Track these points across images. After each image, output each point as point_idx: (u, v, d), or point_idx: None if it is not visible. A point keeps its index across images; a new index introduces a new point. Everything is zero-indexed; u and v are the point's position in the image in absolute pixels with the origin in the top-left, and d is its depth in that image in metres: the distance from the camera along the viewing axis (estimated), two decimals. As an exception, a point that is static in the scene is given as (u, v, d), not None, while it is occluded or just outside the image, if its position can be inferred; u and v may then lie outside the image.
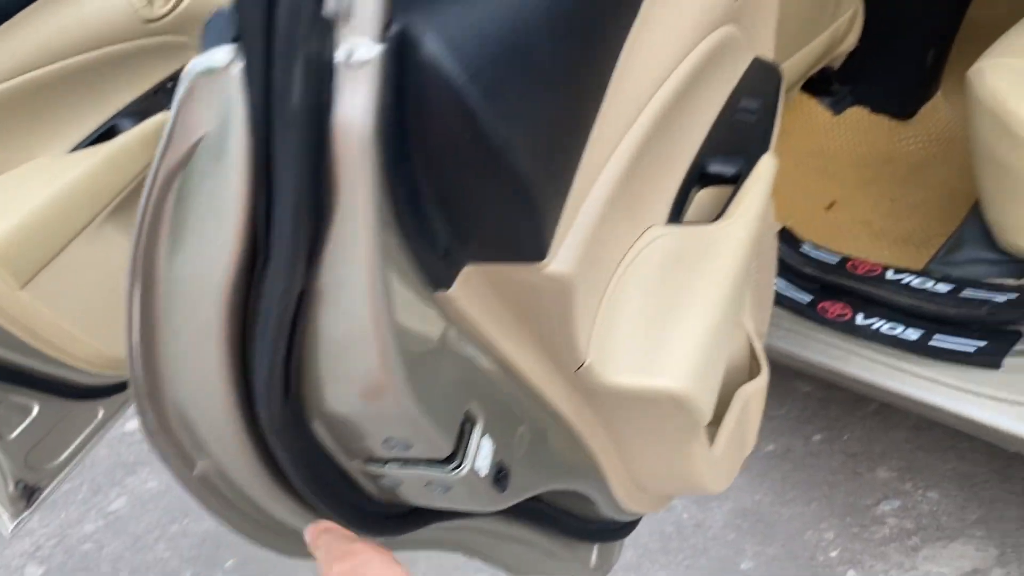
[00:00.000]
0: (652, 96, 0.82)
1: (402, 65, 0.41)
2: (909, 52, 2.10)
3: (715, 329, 0.81)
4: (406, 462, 0.58)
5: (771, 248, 1.40)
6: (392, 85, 0.41)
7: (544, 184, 0.49)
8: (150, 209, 0.44)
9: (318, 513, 0.60)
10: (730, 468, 1.14)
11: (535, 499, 0.96)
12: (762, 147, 1.05)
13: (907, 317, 1.50)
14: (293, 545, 0.64)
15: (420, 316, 0.51)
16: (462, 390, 0.58)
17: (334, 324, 0.47)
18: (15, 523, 1.70)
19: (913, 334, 1.47)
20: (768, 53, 1.26)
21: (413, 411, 0.51)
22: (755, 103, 1.11)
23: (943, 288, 1.49)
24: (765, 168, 1.01)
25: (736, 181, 1.00)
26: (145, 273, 0.45)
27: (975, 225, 1.62)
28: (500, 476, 0.63)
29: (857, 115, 2.18)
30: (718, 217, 0.95)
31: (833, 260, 1.62)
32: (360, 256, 0.43)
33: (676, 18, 0.86)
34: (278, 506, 0.58)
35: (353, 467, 0.60)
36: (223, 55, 0.41)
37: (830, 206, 2.00)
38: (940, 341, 1.44)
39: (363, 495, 0.62)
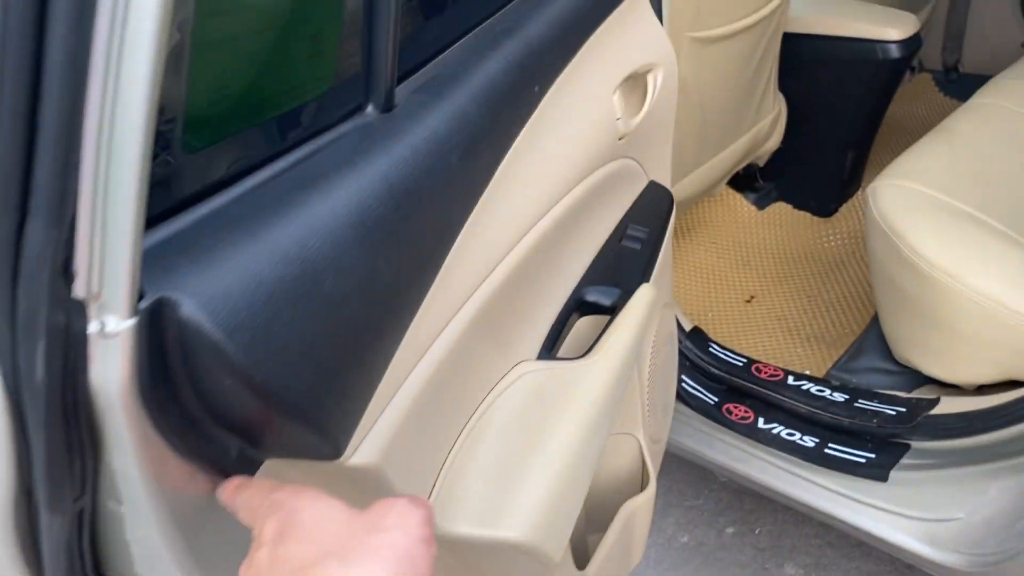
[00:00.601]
0: (516, 243, 0.86)
1: (161, 328, 0.45)
2: (829, 153, 2.19)
3: (567, 471, 0.84)
4: None
5: (671, 355, 1.44)
6: (151, 347, 0.45)
7: (321, 407, 0.53)
8: None
9: None
10: (612, 583, 1.17)
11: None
12: (642, 277, 1.10)
13: (805, 424, 1.55)
14: None
15: (212, 510, 0.54)
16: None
17: (117, 534, 0.51)
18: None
19: (810, 441, 1.52)
20: (663, 175, 1.31)
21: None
22: (642, 232, 1.16)
23: (839, 397, 1.54)
24: (641, 298, 1.05)
25: (613, 311, 1.04)
26: None
27: (874, 334, 1.68)
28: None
29: (780, 211, 2.26)
30: (590, 348, 0.99)
31: (739, 362, 1.67)
32: (137, 480, 0.47)
33: (545, 171, 0.91)
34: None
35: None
36: None
37: (749, 300, 2.06)
38: (834, 450, 1.49)
39: None
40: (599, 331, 1.02)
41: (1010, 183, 1.53)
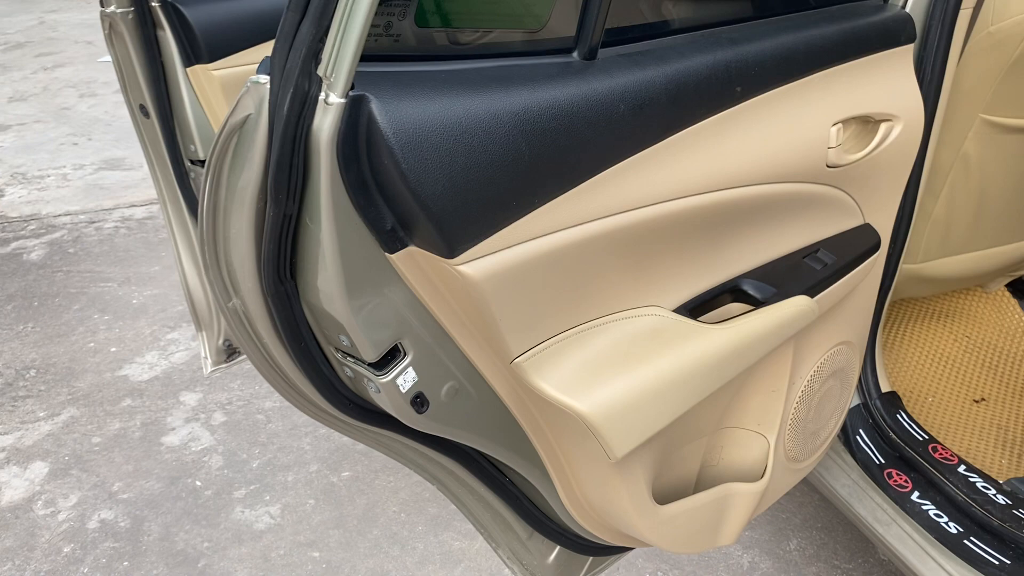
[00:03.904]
0: (675, 197, 1.05)
1: (358, 112, 0.74)
2: None
3: (655, 390, 1.03)
4: (354, 358, 0.89)
5: (837, 391, 1.52)
6: (350, 121, 0.74)
7: (446, 211, 0.78)
8: (219, 146, 0.79)
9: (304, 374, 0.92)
10: (687, 538, 1.31)
11: (498, 470, 1.22)
12: (804, 291, 1.22)
13: (955, 511, 1.55)
14: (283, 384, 0.97)
15: (371, 263, 0.82)
16: (396, 325, 0.88)
17: (307, 244, 0.81)
18: (212, 369, 2.21)
19: (953, 528, 1.52)
20: (883, 224, 1.40)
21: (350, 321, 0.82)
22: (829, 258, 1.28)
23: (1002, 500, 1.52)
24: (792, 304, 1.19)
25: (761, 305, 1.19)
26: (216, 177, 0.81)
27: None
28: (418, 400, 0.92)
29: (1052, 330, 2.14)
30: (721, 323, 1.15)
31: (920, 436, 1.68)
32: (322, 208, 0.76)
33: (729, 156, 1.08)
34: (281, 356, 0.92)
35: (330, 351, 0.92)
36: (264, 78, 0.75)
37: (979, 400, 2.01)
38: (974, 544, 1.48)
39: (336, 376, 0.94)
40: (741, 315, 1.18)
41: None
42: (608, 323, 1.06)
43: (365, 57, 0.76)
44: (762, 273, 1.23)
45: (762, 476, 1.38)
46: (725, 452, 1.40)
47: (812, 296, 1.25)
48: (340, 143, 0.74)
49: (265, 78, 0.74)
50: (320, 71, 0.73)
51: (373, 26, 0.77)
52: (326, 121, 0.73)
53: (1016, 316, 2.18)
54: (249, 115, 0.76)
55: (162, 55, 1.85)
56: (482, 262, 0.84)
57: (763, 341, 1.16)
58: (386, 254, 0.83)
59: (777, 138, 1.14)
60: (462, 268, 0.83)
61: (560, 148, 0.85)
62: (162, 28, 1.80)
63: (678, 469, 1.35)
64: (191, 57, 1.86)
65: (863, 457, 1.69)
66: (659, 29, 1.03)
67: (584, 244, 0.94)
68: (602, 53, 0.93)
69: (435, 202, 0.77)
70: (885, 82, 1.27)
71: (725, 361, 1.12)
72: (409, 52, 0.84)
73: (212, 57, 1.87)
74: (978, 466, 1.70)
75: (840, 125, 1.21)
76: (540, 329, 0.96)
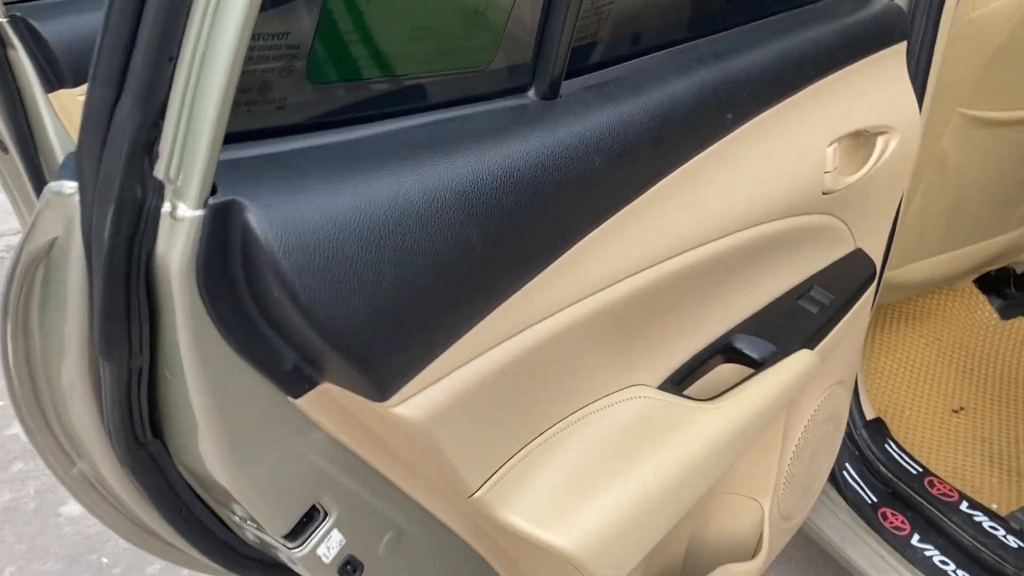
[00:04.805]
0: (661, 262, 0.84)
1: (226, 226, 0.49)
2: (1104, 281, 1.93)
3: (645, 504, 0.82)
4: (258, 526, 0.66)
5: (830, 437, 1.35)
6: (214, 240, 0.49)
7: (369, 348, 0.55)
8: (15, 283, 0.56)
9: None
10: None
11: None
12: (807, 343, 1.03)
13: (964, 558, 1.39)
14: (166, 548, 0.73)
15: (267, 414, 0.59)
16: (310, 486, 0.65)
17: (171, 398, 0.56)
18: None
19: (963, 577, 1.36)
20: (875, 247, 1.22)
21: (244, 493, 0.59)
22: (825, 298, 1.09)
23: (1014, 543, 1.37)
24: (795, 363, 1.00)
25: (760, 366, 0.99)
26: (21, 324, 0.57)
27: (1082, 489, 1.47)
28: (348, 567, 0.69)
29: (1023, 328, 2.02)
30: (720, 395, 0.95)
31: (914, 469, 1.52)
32: (184, 359, 0.52)
33: (721, 199, 0.88)
34: (156, 523, 0.68)
35: (224, 512, 0.68)
36: (70, 186, 0.51)
37: (958, 410, 1.87)
38: (988, 596, 1.33)
39: (234, 536, 0.70)
40: (740, 382, 0.98)
41: None
42: (585, 419, 0.85)
43: (232, 138, 0.51)
44: (755, 324, 1.03)
45: (758, 549, 1.20)
46: (715, 522, 1.21)
47: (812, 346, 1.06)
48: (202, 273, 0.51)
49: (72, 186, 0.50)
50: (159, 172, 0.48)
51: (241, 91, 0.51)
52: (176, 244, 0.49)
53: (986, 314, 2.05)
54: (55, 239, 0.52)
55: (16, 80, 1.55)
56: (425, 396, 0.62)
57: (766, 414, 0.96)
58: (290, 399, 0.59)
59: (772, 169, 0.94)
60: (399, 411, 0.61)
61: (522, 226, 0.63)
62: (13, 47, 1.50)
63: (665, 550, 1.15)
64: (52, 80, 1.56)
65: (853, 496, 1.52)
66: (629, 48, 0.80)
67: (555, 338, 0.72)
68: (564, 87, 0.70)
69: (355, 338, 0.54)
70: (880, 88, 1.09)
71: (726, 446, 0.92)
72: (301, 121, 0.59)
73: (78, 80, 1.57)
74: (972, 493, 1.55)
75: (836, 144, 1.02)
76: (502, 450, 0.74)
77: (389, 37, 0.59)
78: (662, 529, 0.86)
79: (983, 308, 2.05)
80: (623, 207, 0.73)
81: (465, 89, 0.66)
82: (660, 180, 0.77)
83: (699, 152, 0.81)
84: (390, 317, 0.56)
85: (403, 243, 0.54)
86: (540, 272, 0.66)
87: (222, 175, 0.50)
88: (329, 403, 0.61)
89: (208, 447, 0.56)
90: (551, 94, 0.68)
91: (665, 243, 0.83)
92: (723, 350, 1.00)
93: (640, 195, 0.75)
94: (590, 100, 0.69)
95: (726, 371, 1.03)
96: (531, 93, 0.68)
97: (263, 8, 0.45)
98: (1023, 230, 1.85)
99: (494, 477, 0.74)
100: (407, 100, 0.63)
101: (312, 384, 0.59)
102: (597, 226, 0.70)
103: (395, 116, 0.61)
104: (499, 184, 0.59)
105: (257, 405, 0.57)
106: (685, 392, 0.96)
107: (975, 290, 2.07)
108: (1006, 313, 2.04)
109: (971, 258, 1.84)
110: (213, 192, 0.49)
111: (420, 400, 0.61)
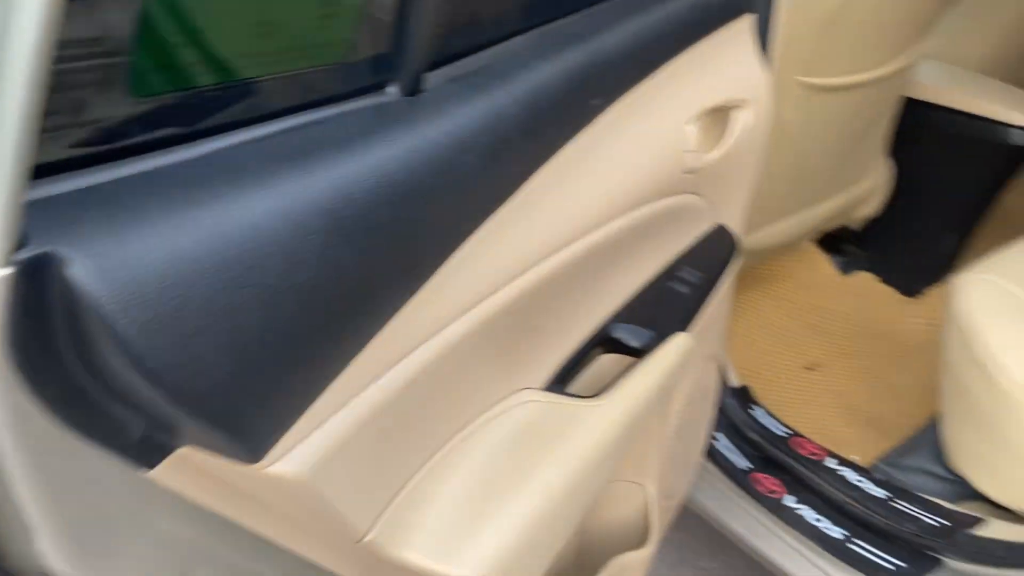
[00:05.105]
0: (539, 262, 0.79)
1: (42, 285, 0.40)
2: (929, 231, 2.05)
3: (544, 518, 0.78)
4: None
5: (704, 412, 1.35)
6: (28, 303, 0.40)
7: (235, 407, 0.47)
8: None
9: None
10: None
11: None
12: (682, 325, 1.02)
13: (835, 512, 1.44)
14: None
15: (113, 493, 0.50)
16: (179, 561, 0.56)
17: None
18: None
19: (837, 532, 1.41)
20: (735, 220, 1.23)
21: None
22: (694, 277, 1.08)
23: (879, 492, 1.43)
24: (674, 348, 0.98)
25: (640, 354, 0.97)
26: None
27: (932, 433, 1.55)
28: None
29: (864, 281, 2.13)
30: (605, 389, 0.92)
31: (781, 432, 1.56)
32: (4, 443, 0.42)
33: (591, 191, 0.84)
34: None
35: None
36: None
37: (811, 367, 1.94)
38: (860, 547, 1.38)
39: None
40: (623, 373, 0.95)
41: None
42: (474, 434, 0.79)
43: (42, 171, 0.41)
44: (632, 312, 1.00)
45: (647, 533, 1.18)
46: (604, 512, 1.19)
47: (686, 327, 1.05)
48: (13, 345, 0.41)
49: None
50: None
51: (50, 114, 0.40)
52: None
53: (828, 271, 2.14)
54: None
55: None
56: (304, 448, 0.54)
57: (651, 402, 0.94)
58: (142, 472, 0.50)
59: (638, 153, 0.91)
60: (275, 470, 0.53)
61: (397, 241, 0.56)
62: None
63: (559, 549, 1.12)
64: None
65: (726, 465, 1.55)
66: (492, 32, 0.74)
67: (439, 358, 0.66)
68: (427, 80, 0.63)
69: (217, 399, 0.46)
70: (731, 62, 1.08)
71: (616, 440, 0.88)
72: (128, 143, 0.48)
73: None
74: (834, 447, 1.61)
75: (695, 123, 1.01)
76: (392, 484, 0.68)
77: (226, 34, 0.50)
78: (563, 536, 0.82)
79: (826, 266, 2.14)
80: (499, 208, 0.67)
81: (319, 89, 0.57)
82: (533, 175, 0.71)
83: (569, 142, 0.76)
84: (256, 369, 0.48)
85: (264, 280, 0.46)
86: (419, 290, 0.60)
87: (33, 219, 0.40)
88: (191, 469, 0.53)
89: (49, 546, 0.46)
90: (414, 89, 0.61)
91: (542, 241, 0.78)
92: (603, 342, 0.97)
93: (514, 193, 0.69)
94: (457, 93, 0.62)
95: (611, 363, 1.00)
96: (393, 89, 0.61)
97: (68, 12, 0.36)
98: (857, 190, 1.93)
99: (385, 515, 0.67)
100: (254, 107, 0.53)
101: (167, 451, 0.50)
102: (475, 232, 0.64)
103: (241, 127, 0.52)
104: (369, 197, 0.52)
105: (103, 486, 0.48)
106: (573, 390, 0.92)
107: (815, 249, 2.16)
108: (847, 268, 2.14)
109: (813, 220, 1.91)
110: (23, 243, 0.39)
111: (298, 454, 0.54)
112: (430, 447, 0.73)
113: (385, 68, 0.60)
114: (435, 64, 0.64)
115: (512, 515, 0.76)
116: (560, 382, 0.89)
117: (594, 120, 0.81)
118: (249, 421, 0.49)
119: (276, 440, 0.52)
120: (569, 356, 0.92)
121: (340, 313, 0.53)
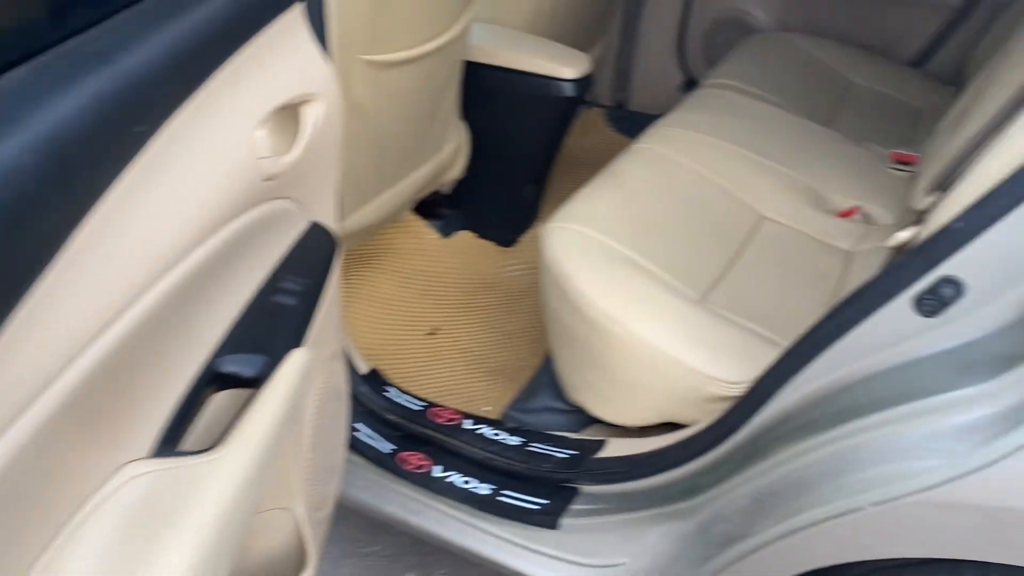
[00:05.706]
0: (116, 318, 0.69)
1: None
2: (509, 183, 2.20)
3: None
4: None
5: (339, 412, 1.32)
6: None
7: None
8: None
9: None
10: None
11: None
12: (294, 340, 0.97)
13: (481, 470, 1.51)
14: None
15: None
16: None
17: None
18: None
19: (485, 489, 1.48)
20: (327, 214, 1.19)
21: None
22: (298, 284, 1.03)
23: (514, 440, 1.51)
24: (292, 368, 0.92)
25: (258, 383, 0.90)
26: None
27: (548, 372, 1.68)
28: None
29: (464, 240, 2.23)
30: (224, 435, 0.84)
31: (416, 406, 1.59)
32: None
33: (160, 227, 0.75)
34: None
35: None
36: None
37: (432, 332, 2.00)
38: (508, 497, 1.46)
39: None
40: (241, 411, 0.88)
41: (669, 229, 1.60)
42: (78, 531, 0.67)
43: None
44: (236, 341, 0.93)
45: (304, 557, 1.13)
46: (252, 553, 1.11)
47: (300, 340, 1.00)
48: None
49: None
50: None
51: None
52: None
53: (431, 236, 2.21)
54: None
55: None
56: None
57: (278, 432, 0.88)
58: None
59: (207, 171, 0.83)
60: None
61: None
62: None
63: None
64: None
65: (371, 453, 1.54)
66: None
67: (15, 455, 0.54)
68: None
69: None
70: (289, 56, 1.02)
71: (249, 484, 0.82)
72: None
73: None
74: (467, 406, 1.68)
75: (263, 127, 0.94)
76: None
77: None
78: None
79: (427, 232, 2.21)
80: (35, 279, 0.56)
81: None
82: (75, 230, 0.61)
83: (114, 182, 0.66)
84: None
85: None
86: None
87: None
88: None
89: None
90: None
91: (112, 294, 0.68)
92: (213, 380, 0.88)
93: (54, 257, 0.58)
94: None
95: (227, 400, 0.92)
96: None
97: None
98: (440, 156, 2.00)
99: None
100: None
101: None
102: (14, 311, 0.53)
103: None
104: None
105: None
106: (192, 441, 0.83)
107: (415, 218, 2.21)
108: (446, 231, 2.22)
109: (404, 192, 1.94)
110: None
111: None
112: (25, 563, 0.61)
113: None
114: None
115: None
116: (169, 442, 0.80)
117: (143, 149, 0.71)
118: None
119: None
120: (175, 409, 0.83)
121: None
